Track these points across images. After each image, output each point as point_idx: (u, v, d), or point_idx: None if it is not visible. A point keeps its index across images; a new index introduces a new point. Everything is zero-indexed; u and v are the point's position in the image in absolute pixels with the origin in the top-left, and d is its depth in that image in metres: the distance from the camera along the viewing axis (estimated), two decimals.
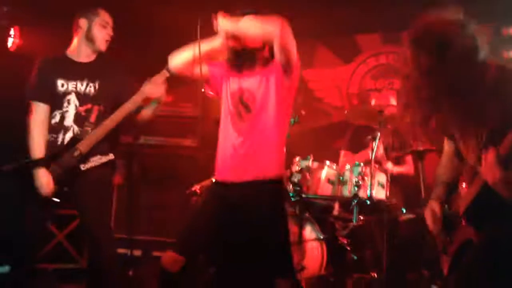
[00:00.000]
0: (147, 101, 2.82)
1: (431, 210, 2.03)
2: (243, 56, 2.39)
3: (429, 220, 2.03)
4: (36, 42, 3.95)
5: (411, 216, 3.59)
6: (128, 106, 2.77)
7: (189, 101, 4.39)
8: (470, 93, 1.75)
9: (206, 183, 3.68)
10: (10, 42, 3.97)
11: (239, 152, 2.34)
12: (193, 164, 4.32)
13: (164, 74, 2.74)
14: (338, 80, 5.18)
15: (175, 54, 2.48)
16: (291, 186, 3.31)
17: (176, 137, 4.35)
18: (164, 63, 2.69)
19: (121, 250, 4.15)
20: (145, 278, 3.78)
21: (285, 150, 2.46)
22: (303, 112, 3.41)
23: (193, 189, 3.60)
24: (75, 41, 2.87)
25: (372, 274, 3.68)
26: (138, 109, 2.85)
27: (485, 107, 1.76)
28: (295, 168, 3.42)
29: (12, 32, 3.97)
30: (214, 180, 2.49)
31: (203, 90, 4.34)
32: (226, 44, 2.38)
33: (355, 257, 3.52)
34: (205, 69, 2.45)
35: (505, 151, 1.62)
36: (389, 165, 3.80)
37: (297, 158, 3.51)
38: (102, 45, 2.85)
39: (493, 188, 1.66)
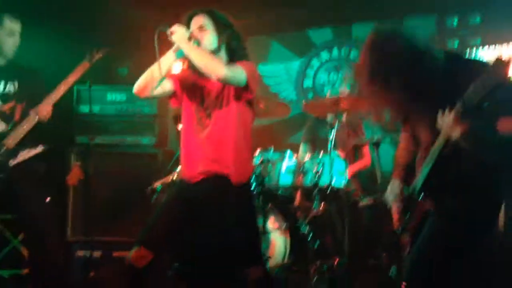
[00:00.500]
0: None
1: (391, 188, 2.12)
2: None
3: (390, 197, 2.11)
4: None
5: (369, 201, 3.71)
6: (48, 101, 2.85)
7: (145, 99, 4.32)
8: (421, 84, 1.85)
9: (166, 180, 3.66)
10: None
11: (203, 155, 2.38)
12: (152, 162, 4.27)
13: (84, 65, 2.92)
14: (293, 74, 5.26)
15: (138, 83, 2.43)
16: (253, 177, 3.34)
17: (134, 135, 4.28)
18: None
19: (80, 252, 4.09)
20: (106, 279, 3.71)
21: (251, 149, 2.52)
22: (261, 106, 3.45)
23: (153, 186, 3.57)
24: None
25: (334, 260, 3.79)
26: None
27: (436, 94, 1.86)
28: (256, 160, 3.47)
29: None
30: (177, 178, 2.50)
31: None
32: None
33: (316, 245, 3.61)
34: (168, 84, 2.44)
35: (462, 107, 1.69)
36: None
37: (258, 150, 3.56)
38: (9, 53, 2.89)
39: (459, 143, 1.71)
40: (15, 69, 2.91)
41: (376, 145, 3.63)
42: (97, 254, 4.06)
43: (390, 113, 2.08)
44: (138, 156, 4.25)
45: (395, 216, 2.18)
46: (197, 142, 2.40)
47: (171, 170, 3.77)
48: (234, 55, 2.44)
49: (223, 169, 2.35)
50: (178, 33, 2.29)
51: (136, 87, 2.40)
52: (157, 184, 3.61)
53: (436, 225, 1.87)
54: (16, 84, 2.87)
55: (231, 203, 2.33)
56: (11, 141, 2.73)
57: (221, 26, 2.41)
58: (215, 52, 2.40)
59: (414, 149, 2.13)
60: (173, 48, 2.36)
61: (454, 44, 4.52)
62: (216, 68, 2.26)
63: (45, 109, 2.84)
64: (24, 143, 2.79)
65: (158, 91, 2.39)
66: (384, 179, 3.54)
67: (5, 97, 2.84)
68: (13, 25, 2.85)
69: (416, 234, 1.99)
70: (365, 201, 3.77)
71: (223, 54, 2.45)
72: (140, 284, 2.34)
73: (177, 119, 3.87)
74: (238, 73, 2.30)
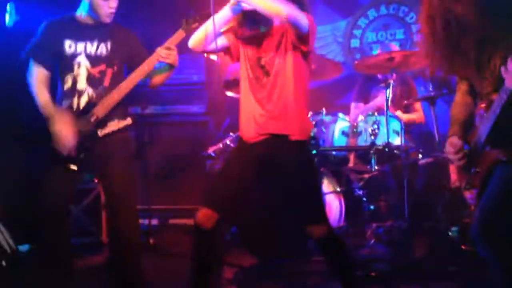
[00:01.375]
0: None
1: (451, 143, 2.00)
2: (256, 17, 2.34)
3: (450, 152, 1.99)
4: (34, 18, 3.86)
5: (429, 159, 3.61)
6: (143, 68, 2.64)
7: (193, 68, 4.34)
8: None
9: (218, 146, 3.68)
10: (6, 18, 3.87)
11: (261, 117, 2.34)
12: (202, 129, 4.31)
13: (180, 34, 2.63)
14: (339, 35, 5.12)
15: (193, 37, 2.42)
16: None
17: (183, 104, 4.32)
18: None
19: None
20: (166, 246, 3.81)
21: (307, 111, 2.46)
22: (313, 66, 3.37)
23: (207, 152, 3.59)
24: (82, 5, 2.69)
25: (390, 222, 3.74)
26: (151, 73, 2.74)
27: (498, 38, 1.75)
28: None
29: (8, 8, 3.87)
30: (239, 141, 2.47)
31: (205, 55, 4.32)
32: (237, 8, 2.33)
33: (371, 207, 3.56)
34: (222, 39, 2.42)
35: None
36: (399, 113, 3.80)
37: (310, 113, 3.51)
38: (106, 17, 2.65)
39: None
40: (110, 28, 2.67)
41: (431, 101, 3.49)
42: (154, 222, 4.18)
43: (447, 66, 1.99)
44: (189, 124, 4.30)
45: (457, 174, 2.09)
46: (256, 101, 2.36)
47: (223, 137, 3.79)
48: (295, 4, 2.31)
49: (283, 129, 2.32)
50: None
51: (191, 41, 2.41)
52: (210, 151, 3.64)
53: (506, 173, 1.77)
54: (109, 44, 2.65)
55: (292, 162, 2.31)
56: (101, 110, 2.58)
57: None
58: None
59: (471, 104, 2.03)
60: (230, 3, 2.32)
61: None
62: (280, 7, 2.19)
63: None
64: (115, 113, 2.63)
65: (213, 46, 2.37)
66: (441, 138, 3.42)
67: (96, 60, 2.63)
68: None
69: (483, 189, 1.89)
70: (424, 160, 3.66)
71: None
72: (210, 245, 2.35)
73: (226, 85, 3.86)
74: (302, 16, 2.22)
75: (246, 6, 2.29)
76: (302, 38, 2.27)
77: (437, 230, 3.42)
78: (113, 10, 2.67)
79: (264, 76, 2.36)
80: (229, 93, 3.79)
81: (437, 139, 3.46)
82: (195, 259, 2.35)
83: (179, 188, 4.19)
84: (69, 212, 2.84)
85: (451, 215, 3.34)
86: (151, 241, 3.86)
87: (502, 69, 1.68)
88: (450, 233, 3.29)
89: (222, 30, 2.39)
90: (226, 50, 2.46)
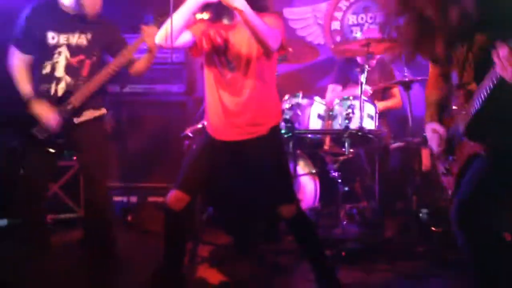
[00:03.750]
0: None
1: (433, 130, 2.03)
2: (221, 7, 2.24)
3: (433, 142, 2.03)
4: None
5: (400, 144, 3.70)
6: (122, 57, 2.73)
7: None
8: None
9: (196, 127, 3.71)
10: None
11: (230, 112, 2.34)
12: (182, 109, 4.33)
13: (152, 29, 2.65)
14: (320, 17, 5.13)
15: (159, 34, 2.30)
16: (283, 123, 3.35)
17: (162, 83, 4.32)
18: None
19: (117, 198, 4.26)
20: (143, 223, 3.87)
21: (277, 97, 2.47)
22: (290, 49, 3.40)
23: (185, 132, 3.62)
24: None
25: (364, 204, 3.85)
26: (131, 61, 2.81)
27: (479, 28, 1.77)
28: (285, 105, 3.46)
29: None
30: (207, 133, 2.47)
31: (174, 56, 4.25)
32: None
33: (346, 189, 3.66)
34: (187, 35, 2.34)
35: None
36: (375, 102, 3.87)
37: (287, 96, 3.55)
38: (91, 10, 2.72)
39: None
40: (92, 21, 2.75)
41: (406, 86, 3.57)
42: (133, 199, 4.22)
43: (422, 51, 2.01)
44: (168, 104, 4.31)
45: (426, 159, 2.15)
46: (223, 97, 2.35)
47: (200, 117, 3.82)
48: (255, 6, 2.21)
49: (256, 130, 2.34)
50: None
51: (157, 38, 2.30)
52: (188, 131, 3.67)
53: (484, 166, 1.80)
54: (90, 36, 2.74)
55: (262, 147, 2.36)
56: (78, 99, 2.68)
57: None
58: None
59: (445, 86, 2.05)
60: None
61: None
62: (270, 38, 2.16)
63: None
64: (90, 103, 2.73)
65: (179, 41, 2.29)
66: (415, 122, 3.51)
67: (76, 50, 2.72)
68: None
69: (460, 177, 1.93)
70: (396, 144, 3.76)
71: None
72: (178, 226, 2.41)
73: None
74: (277, 39, 2.21)
75: None
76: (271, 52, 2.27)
77: (407, 212, 3.53)
78: (98, 3, 2.74)
79: (230, 71, 2.34)
80: None
81: (410, 123, 3.55)
82: (166, 239, 2.43)
83: (157, 167, 4.22)
84: (47, 190, 2.98)
85: (421, 198, 3.45)
86: (129, 218, 3.93)
87: (494, 54, 1.61)
88: (420, 215, 3.41)
89: (183, 23, 2.23)
90: (191, 45, 2.39)
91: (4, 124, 3.39)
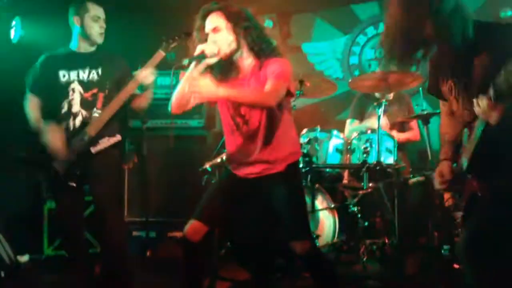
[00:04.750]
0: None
1: (439, 170, 2.06)
2: (223, 66, 2.31)
3: (436, 180, 2.06)
4: (39, 33, 3.96)
5: (420, 178, 3.65)
6: (127, 89, 2.86)
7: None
8: (455, 49, 1.82)
9: (215, 161, 3.74)
10: (12, 33, 3.98)
11: (250, 157, 2.35)
12: (202, 143, 4.38)
13: (159, 55, 2.88)
14: (338, 52, 5.19)
15: (172, 104, 2.32)
16: (300, 157, 3.35)
17: (183, 118, 4.39)
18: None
19: (136, 233, 4.28)
20: (162, 259, 3.86)
21: (295, 134, 2.47)
22: (307, 84, 3.45)
23: (204, 167, 3.65)
24: (73, 35, 2.96)
25: (384, 240, 3.77)
26: (132, 96, 2.93)
27: (471, 63, 1.82)
28: (304, 139, 3.48)
29: (13, 23, 3.98)
30: (227, 168, 2.49)
31: None
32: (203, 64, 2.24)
33: (366, 224, 3.60)
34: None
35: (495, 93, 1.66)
36: (394, 133, 3.86)
37: (305, 130, 3.56)
38: (97, 38, 2.92)
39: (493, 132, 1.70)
40: (100, 56, 2.95)
41: (425, 120, 3.55)
42: (152, 234, 4.23)
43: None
44: (188, 138, 4.36)
45: (446, 195, 2.15)
46: (240, 146, 2.37)
47: (220, 152, 3.85)
48: (260, 54, 2.29)
49: (274, 169, 2.35)
50: (202, 85, 2.10)
51: (171, 107, 2.32)
52: (207, 165, 3.70)
53: (485, 206, 1.84)
54: (100, 71, 2.91)
55: (279, 183, 2.36)
56: (93, 128, 2.81)
57: (237, 23, 2.25)
58: (235, 52, 2.28)
59: (456, 124, 2.06)
60: (196, 66, 2.21)
61: (507, 13, 4.30)
62: (265, 101, 2.18)
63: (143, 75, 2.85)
64: (105, 131, 2.85)
65: (193, 102, 2.30)
66: (434, 157, 3.47)
67: (88, 85, 2.89)
68: (97, 11, 2.90)
69: (466, 214, 1.97)
70: (415, 179, 3.71)
71: (245, 53, 2.31)
72: (195, 258, 2.38)
73: None
74: (282, 90, 2.20)
75: (209, 61, 2.22)
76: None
77: (429, 248, 3.45)
78: (103, 30, 2.94)
79: (244, 124, 2.35)
80: None
81: (430, 157, 3.51)
82: (185, 272, 2.39)
83: (177, 201, 4.24)
84: (83, 223, 3.04)
85: (442, 233, 3.37)
86: (148, 253, 3.92)
87: (475, 104, 1.75)
88: (442, 251, 3.32)
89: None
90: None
91: (27, 161, 3.49)
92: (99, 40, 2.93)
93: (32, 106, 2.92)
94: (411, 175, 3.74)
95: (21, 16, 4.03)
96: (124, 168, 4.31)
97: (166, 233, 4.28)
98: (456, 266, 3.19)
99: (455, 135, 2.08)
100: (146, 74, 2.86)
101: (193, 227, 2.34)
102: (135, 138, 4.26)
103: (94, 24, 2.89)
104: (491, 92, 1.66)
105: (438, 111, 3.53)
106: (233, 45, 2.27)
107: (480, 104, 1.72)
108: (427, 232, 3.53)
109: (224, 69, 2.32)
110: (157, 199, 4.22)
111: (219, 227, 2.59)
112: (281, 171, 2.36)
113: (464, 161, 1.93)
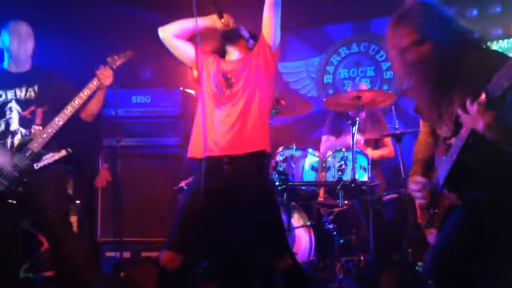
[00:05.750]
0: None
1: (414, 181, 2.07)
2: (229, 38, 2.54)
3: (413, 190, 2.06)
4: None
5: (393, 195, 3.70)
6: (79, 100, 2.84)
7: (168, 101, 4.41)
8: (445, 71, 1.85)
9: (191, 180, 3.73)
10: None
11: (223, 127, 2.41)
12: (177, 162, 4.34)
13: (106, 70, 2.89)
14: (313, 71, 5.28)
15: (169, 24, 2.56)
16: (276, 175, 3.38)
17: (158, 136, 4.36)
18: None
19: (110, 253, 4.19)
20: (137, 279, 3.79)
21: (268, 130, 2.54)
22: (283, 102, 3.48)
23: (180, 185, 3.63)
24: (5, 55, 2.97)
25: (360, 256, 3.80)
26: (83, 105, 2.91)
27: (456, 86, 1.85)
28: (279, 157, 3.50)
29: None
30: (194, 170, 2.53)
31: (181, 88, 4.42)
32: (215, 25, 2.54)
33: (341, 241, 3.63)
34: (190, 49, 2.55)
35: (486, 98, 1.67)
36: (369, 151, 3.92)
37: (281, 148, 3.59)
38: (25, 60, 2.94)
39: (484, 134, 1.69)
40: (35, 74, 2.96)
41: (398, 138, 3.62)
42: (126, 254, 4.15)
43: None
44: (163, 157, 4.32)
45: (419, 211, 2.17)
46: (217, 117, 2.44)
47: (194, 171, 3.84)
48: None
49: (246, 145, 2.40)
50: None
51: (163, 28, 2.52)
52: (183, 184, 3.68)
53: (461, 219, 1.85)
54: (36, 88, 2.92)
55: (256, 179, 2.39)
56: (36, 145, 2.78)
57: None
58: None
59: (433, 144, 2.11)
60: (217, 22, 2.51)
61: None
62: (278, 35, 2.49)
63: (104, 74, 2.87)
64: (49, 147, 2.83)
65: (180, 47, 2.52)
66: (407, 174, 3.52)
67: (26, 103, 2.89)
68: (22, 30, 2.90)
69: (440, 229, 1.97)
70: (389, 195, 3.76)
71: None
72: (173, 284, 2.38)
73: None
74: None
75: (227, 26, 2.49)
76: (272, 54, 2.45)
77: (404, 264, 3.49)
78: (30, 54, 2.95)
79: (227, 88, 2.45)
80: None
81: (403, 175, 3.57)
82: None
83: (151, 221, 4.18)
84: (20, 246, 2.93)
85: (417, 250, 3.41)
86: (121, 274, 3.85)
87: (459, 111, 1.75)
88: (416, 268, 3.36)
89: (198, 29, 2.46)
90: (191, 62, 2.58)
91: None
92: (27, 65, 2.95)
93: None
94: (385, 192, 3.79)
95: None
96: (97, 186, 4.25)
97: (141, 253, 4.22)
98: (430, 282, 3.23)
99: (429, 155, 2.12)
100: (108, 74, 2.86)
101: (168, 256, 2.34)
102: (108, 156, 4.22)
103: (20, 44, 2.89)
104: (482, 97, 1.66)
105: (410, 130, 3.66)
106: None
107: (470, 109, 1.70)
108: (402, 249, 3.58)
109: (229, 40, 2.59)
110: (132, 218, 4.15)
111: (194, 249, 2.57)
112: (248, 152, 2.42)
113: (440, 177, 1.95)
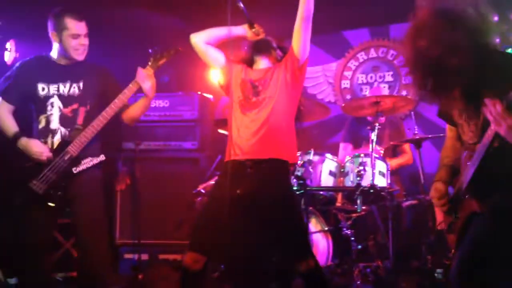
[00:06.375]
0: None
1: (435, 188, 2.07)
2: (259, 48, 2.64)
3: (434, 197, 2.06)
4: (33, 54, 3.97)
5: (413, 201, 3.67)
6: (117, 102, 2.73)
7: (186, 105, 4.45)
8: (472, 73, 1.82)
9: (208, 183, 3.74)
10: (6, 56, 3.99)
11: (247, 132, 2.48)
12: (195, 165, 4.38)
13: (148, 71, 2.81)
14: (330, 76, 5.27)
15: (202, 31, 2.66)
16: (294, 180, 3.37)
17: (176, 140, 4.40)
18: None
19: (128, 255, 4.23)
20: (155, 281, 3.82)
21: (295, 140, 2.59)
22: (302, 108, 3.48)
23: (198, 189, 3.65)
24: (53, 48, 2.80)
25: (378, 263, 3.77)
26: (125, 106, 2.80)
27: (484, 88, 1.83)
28: (298, 162, 3.50)
29: (8, 45, 3.99)
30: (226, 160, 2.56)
31: (199, 92, 4.45)
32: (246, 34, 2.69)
33: (359, 247, 3.61)
34: (220, 56, 2.66)
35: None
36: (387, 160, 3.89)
37: (299, 153, 3.58)
38: (76, 55, 2.75)
39: (506, 137, 1.66)
40: (82, 68, 2.79)
41: (417, 144, 3.59)
42: (144, 257, 4.19)
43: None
44: (181, 160, 4.36)
45: (440, 217, 2.16)
46: (243, 123, 2.51)
47: (213, 174, 3.86)
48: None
49: (271, 153, 2.46)
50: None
51: (196, 34, 2.64)
52: (200, 188, 3.70)
53: (484, 225, 1.84)
54: (81, 84, 2.75)
55: (279, 185, 2.42)
56: (75, 148, 2.67)
57: None
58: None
59: (460, 149, 2.08)
60: (248, 31, 2.66)
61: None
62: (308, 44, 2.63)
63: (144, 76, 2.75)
64: (88, 151, 2.71)
65: (210, 54, 2.63)
66: (427, 180, 3.50)
67: (69, 100, 2.73)
68: (76, 27, 2.71)
69: (461, 235, 1.95)
70: (408, 201, 3.73)
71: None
72: (195, 285, 2.41)
73: (218, 123, 3.96)
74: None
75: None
76: (300, 67, 2.54)
77: (423, 271, 3.45)
78: (84, 48, 2.77)
79: (254, 95, 2.52)
80: (221, 131, 3.88)
81: (422, 181, 3.54)
82: None
83: (169, 223, 4.21)
84: (50, 247, 2.91)
85: (436, 256, 3.38)
86: (140, 276, 3.87)
87: (486, 111, 1.69)
88: (435, 275, 3.33)
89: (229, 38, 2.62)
90: (221, 69, 2.66)
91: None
92: (79, 58, 2.75)
93: (4, 114, 2.73)
94: (404, 198, 3.77)
95: (15, 39, 4.06)
96: (117, 189, 4.29)
97: (159, 256, 4.25)
98: None
99: (455, 160, 2.10)
100: (146, 75, 2.73)
101: (191, 257, 2.37)
102: (128, 160, 4.26)
103: (73, 41, 2.71)
104: (505, 101, 1.63)
105: (429, 136, 3.63)
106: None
107: (492, 111, 1.66)
108: (421, 256, 3.54)
109: (258, 50, 2.71)
110: (150, 221, 4.19)
111: (217, 252, 2.59)
112: (273, 158, 2.48)
113: (463, 182, 1.94)
